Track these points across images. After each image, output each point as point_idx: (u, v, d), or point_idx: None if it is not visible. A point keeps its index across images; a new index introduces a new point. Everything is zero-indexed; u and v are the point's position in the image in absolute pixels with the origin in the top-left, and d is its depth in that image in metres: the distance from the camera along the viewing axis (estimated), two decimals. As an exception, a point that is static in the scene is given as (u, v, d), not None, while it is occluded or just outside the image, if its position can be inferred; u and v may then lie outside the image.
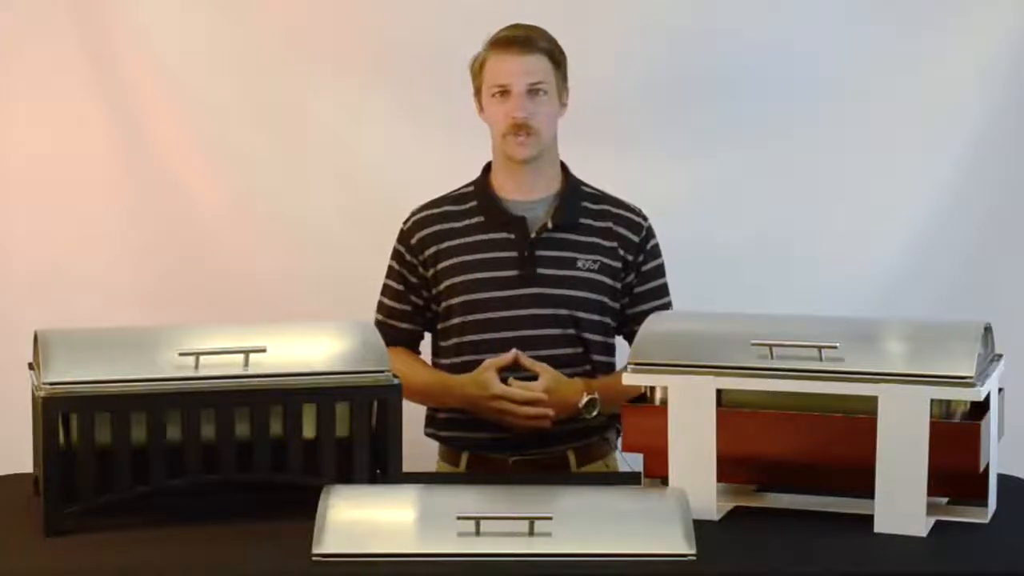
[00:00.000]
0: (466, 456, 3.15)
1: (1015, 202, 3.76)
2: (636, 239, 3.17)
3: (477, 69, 3.14)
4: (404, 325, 3.20)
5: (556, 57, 3.12)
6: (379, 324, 3.14)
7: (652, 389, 2.65)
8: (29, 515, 2.56)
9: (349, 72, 3.78)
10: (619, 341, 3.23)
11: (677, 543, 2.31)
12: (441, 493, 2.52)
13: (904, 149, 3.78)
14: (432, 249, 3.15)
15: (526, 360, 3.04)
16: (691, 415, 2.54)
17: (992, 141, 3.74)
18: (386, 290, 3.22)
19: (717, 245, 3.78)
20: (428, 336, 3.25)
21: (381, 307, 3.22)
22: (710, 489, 2.54)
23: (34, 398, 2.54)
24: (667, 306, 3.19)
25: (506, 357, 3.04)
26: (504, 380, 3.03)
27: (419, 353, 3.26)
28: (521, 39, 3.09)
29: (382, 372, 2.61)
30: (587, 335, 3.12)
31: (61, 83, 3.74)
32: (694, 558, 2.29)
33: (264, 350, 2.57)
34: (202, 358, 2.54)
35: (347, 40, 3.77)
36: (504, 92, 3.08)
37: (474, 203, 3.18)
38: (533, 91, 3.07)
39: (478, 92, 3.15)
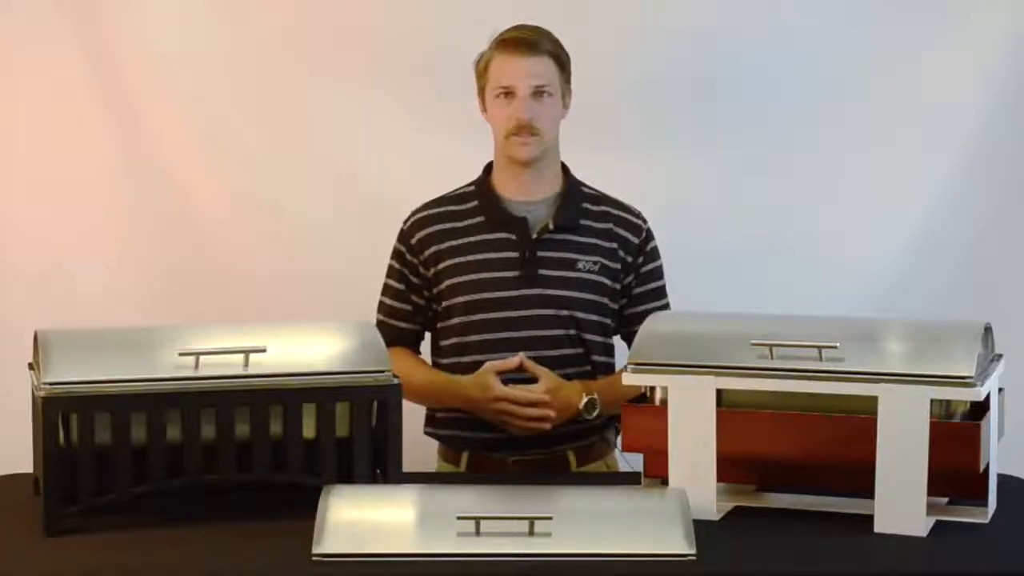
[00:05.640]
0: (466, 456, 3.15)
1: (1015, 202, 3.76)
2: (636, 241, 3.17)
3: (482, 69, 3.13)
4: (405, 325, 3.20)
5: (561, 59, 3.12)
6: (380, 324, 3.14)
7: (652, 389, 2.65)
8: (29, 515, 2.56)
9: (349, 72, 3.78)
10: (618, 342, 3.23)
11: (677, 543, 2.31)
12: (441, 493, 2.52)
13: (904, 149, 3.78)
14: (433, 249, 3.15)
15: (529, 364, 3.04)
16: (691, 415, 2.54)
17: (992, 141, 3.75)
18: (387, 290, 3.22)
19: (717, 245, 3.78)
20: (428, 335, 3.26)
21: (382, 307, 3.21)
22: (710, 489, 2.54)
23: (34, 398, 2.54)
24: (665, 308, 3.18)
25: (511, 362, 3.04)
26: (505, 384, 3.03)
27: (420, 352, 3.25)
28: (527, 41, 3.09)
29: (382, 372, 2.61)
30: (587, 336, 3.12)
31: (61, 83, 3.74)
32: (694, 558, 2.29)
33: (264, 350, 2.57)
34: (202, 358, 2.54)
35: (347, 40, 3.77)
36: (509, 93, 3.08)
37: (475, 203, 3.18)
38: (538, 93, 3.07)
39: (482, 92, 3.15)
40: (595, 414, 3.04)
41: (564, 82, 3.13)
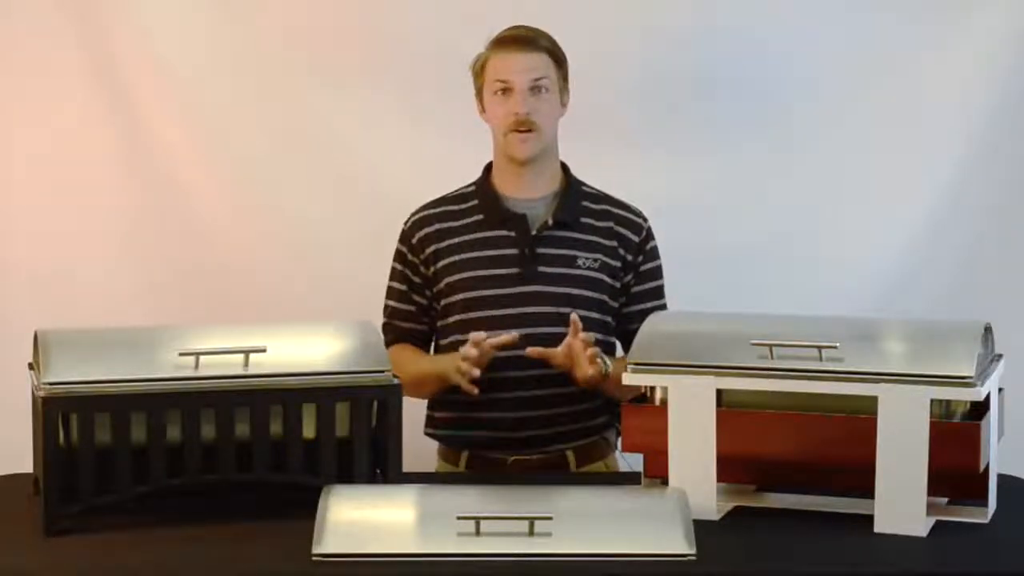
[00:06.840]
0: (466, 455, 3.15)
1: (1015, 202, 3.76)
2: (636, 239, 3.18)
3: (479, 69, 3.14)
4: (410, 325, 3.19)
5: (557, 56, 3.13)
6: (386, 326, 3.15)
7: (652, 389, 2.65)
8: (29, 515, 2.56)
9: (349, 72, 3.78)
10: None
11: (677, 543, 2.31)
12: (441, 493, 2.52)
13: (904, 149, 3.78)
14: (432, 247, 3.16)
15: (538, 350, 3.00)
16: (691, 415, 2.54)
17: (992, 141, 3.75)
18: (391, 292, 3.22)
19: (717, 245, 3.78)
20: (428, 336, 3.26)
21: (387, 309, 3.21)
22: (710, 489, 2.54)
23: (34, 398, 2.54)
24: (663, 308, 3.18)
25: (505, 337, 2.98)
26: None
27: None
28: (523, 38, 3.10)
29: (382, 372, 2.61)
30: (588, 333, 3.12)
31: (61, 83, 3.74)
32: (694, 558, 2.29)
33: (264, 350, 2.57)
34: (202, 358, 2.54)
35: (347, 40, 3.77)
36: (506, 89, 3.08)
37: (474, 202, 3.18)
38: (535, 88, 3.08)
39: (479, 92, 3.15)
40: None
41: (561, 79, 3.14)
